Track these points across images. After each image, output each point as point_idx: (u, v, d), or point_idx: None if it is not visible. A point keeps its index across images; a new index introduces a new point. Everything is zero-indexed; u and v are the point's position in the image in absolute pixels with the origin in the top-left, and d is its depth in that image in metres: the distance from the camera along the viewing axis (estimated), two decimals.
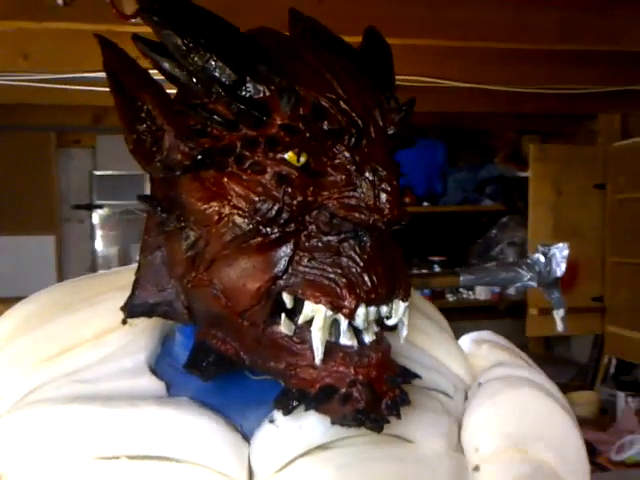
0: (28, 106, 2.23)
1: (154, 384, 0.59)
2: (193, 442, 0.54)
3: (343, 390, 0.51)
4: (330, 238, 0.51)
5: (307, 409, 0.52)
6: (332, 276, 0.50)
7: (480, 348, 0.77)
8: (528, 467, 0.63)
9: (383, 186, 0.49)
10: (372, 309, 0.51)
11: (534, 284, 0.86)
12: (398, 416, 0.52)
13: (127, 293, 0.63)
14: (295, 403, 0.52)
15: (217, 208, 0.51)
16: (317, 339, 0.50)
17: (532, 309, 2.33)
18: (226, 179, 0.51)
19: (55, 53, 1.55)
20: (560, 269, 0.83)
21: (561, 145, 2.53)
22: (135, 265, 0.62)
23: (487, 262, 2.69)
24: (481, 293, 2.66)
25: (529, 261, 0.86)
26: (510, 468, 0.63)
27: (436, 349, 0.70)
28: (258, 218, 0.50)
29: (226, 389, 0.59)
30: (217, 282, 0.52)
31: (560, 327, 0.91)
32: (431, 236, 2.89)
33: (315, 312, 0.50)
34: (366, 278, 0.50)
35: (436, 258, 2.92)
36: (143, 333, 0.62)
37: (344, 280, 0.50)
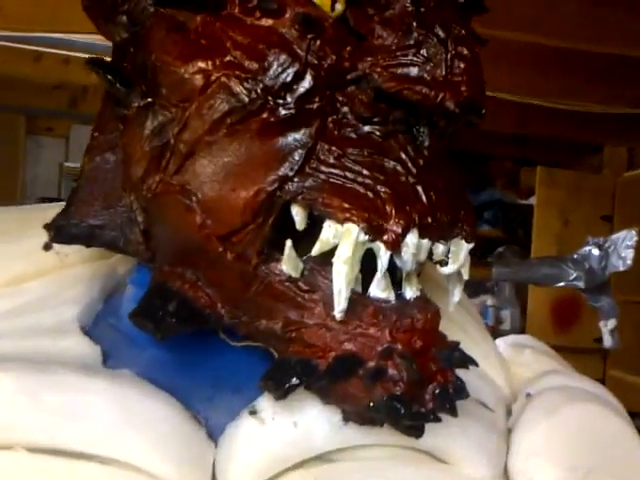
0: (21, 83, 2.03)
1: (84, 349, 0.40)
2: (132, 434, 0.35)
3: (372, 363, 0.33)
4: (371, 129, 0.33)
5: (314, 388, 0.34)
6: (370, 182, 0.32)
7: (521, 354, 0.59)
8: None
9: (460, 50, 0.32)
10: (425, 242, 0.33)
11: (580, 284, 0.70)
12: (453, 413, 0.34)
13: None
14: (294, 381, 0.34)
15: (203, 68, 0.34)
16: (342, 278, 0.32)
17: None
18: (221, 25, 0.34)
19: (29, 7, 1.38)
20: (625, 262, 0.67)
21: (569, 171, 2.41)
22: None
23: (480, 295, 2.53)
24: None
25: (576, 257, 0.70)
26: None
27: (474, 349, 0.52)
28: (266, 82, 0.33)
29: (190, 365, 0.41)
30: (192, 187, 0.34)
31: (608, 343, 0.74)
32: None
33: (342, 236, 0.32)
34: (421, 192, 0.33)
35: None
36: (76, 282, 0.44)
37: (388, 190, 0.32)
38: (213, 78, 0.33)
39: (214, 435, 0.38)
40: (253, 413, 0.37)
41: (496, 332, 2.52)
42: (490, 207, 2.60)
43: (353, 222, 0.32)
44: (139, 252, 0.39)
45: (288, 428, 0.37)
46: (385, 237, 0.32)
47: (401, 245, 0.32)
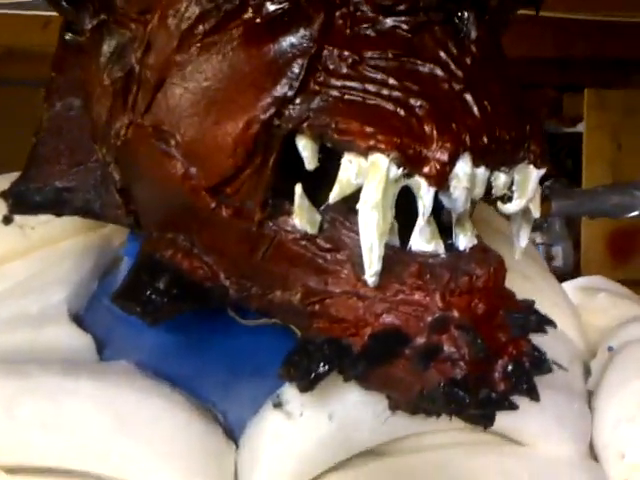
0: (11, 54, 1.96)
1: (73, 339, 0.34)
2: (128, 445, 0.29)
3: (421, 339, 0.25)
4: (395, 22, 0.25)
5: (349, 378, 0.26)
6: (400, 95, 0.24)
7: (594, 299, 0.50)
8: None
9: None
10: (482, 171, 0.25)
11: None
12: (533, 395, 0.26)
13: None
14: (322, 368, 0.26)
15: None
16: (371, 230, 0.24)
17: None
18: None
19: None
20: None
21: (620, 91, 2.23)
22: None
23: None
24: None
25: None
26: None
27: (538, 297, 0.43)
28: None
29: (199, 348, 0.34)
30: (168, 127, 0.26)
31: None
32: None
33: (367, 172, 0.24)
34: (471, 102, 0.24)
35: None
36: (64, 258, 0.37)
37: (426, 104, 0.24)
38: None
39: (235, 433, 0.31)
40: (278, 405, 0.30)
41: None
42: None
43: (380, 151, 0.23)
44: (119, 217, 0.32)
45: (322, 422, 0.29)
46: (426, 169, 0.23)
47: (449, 178, 0.23)
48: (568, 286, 0.53)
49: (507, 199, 0.27)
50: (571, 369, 0.40)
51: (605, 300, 0.49)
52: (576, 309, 0.46)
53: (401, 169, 0.23)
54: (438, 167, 0.23)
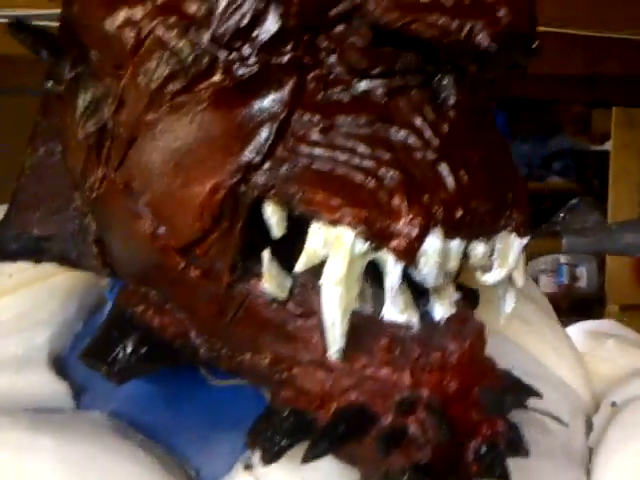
0: (27, 62, 1.99)
1: (49, 386, 0.33)
2: None
3: (387, 420, 0.24)
4: (370, 85, 0.24)
5: (309, 458, 0.25)
6: (371, 164, 0.23)
7: (602, 346, 0.48)
8: None
9: None
10: (456, 244, 0.23)
11: None
12: None
13: None
14: (285, 441, 0.25)
15: (129, 18, 0.25)
16: (334, 305, 0.23)
17: (612, 306, 1.99)
18: None
19: None
20: None
21: None
22: None
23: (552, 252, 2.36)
24: (546, 284, 2.32)
25: None
26: None
27: (540, 346, 0.41)
28: (213, 29, 0.24)
29: (178, 398, 0.33)
30: (139, 185, 0.26)
31: None
32: None
33: (333, 244, 0.23)
34: (445, 173, 0.23)
35: None
36: (50, 297, 0.36)
37: (397, 174, 0.23)
38: (145, 31, 0.24)
39: None
40: (248, 468, 0.29)
41: (572, 291, 2.35)
42: (560, 157, 2.39)
43: (346, 225, 0.22)
44: (95, 267, 0.31)
45: None
46: (394, 243, 0.22)
47: (417, 253, 0.22)
48: (576, 329, 0.51)
49: (487, 268, 0.26)
50: (572, 424, 0.38)
51: (613, 348, 0.47)
52: (581, 356, 0.44)
53: (367, 243, 0.22)
54: (406, 242, 0.22)
